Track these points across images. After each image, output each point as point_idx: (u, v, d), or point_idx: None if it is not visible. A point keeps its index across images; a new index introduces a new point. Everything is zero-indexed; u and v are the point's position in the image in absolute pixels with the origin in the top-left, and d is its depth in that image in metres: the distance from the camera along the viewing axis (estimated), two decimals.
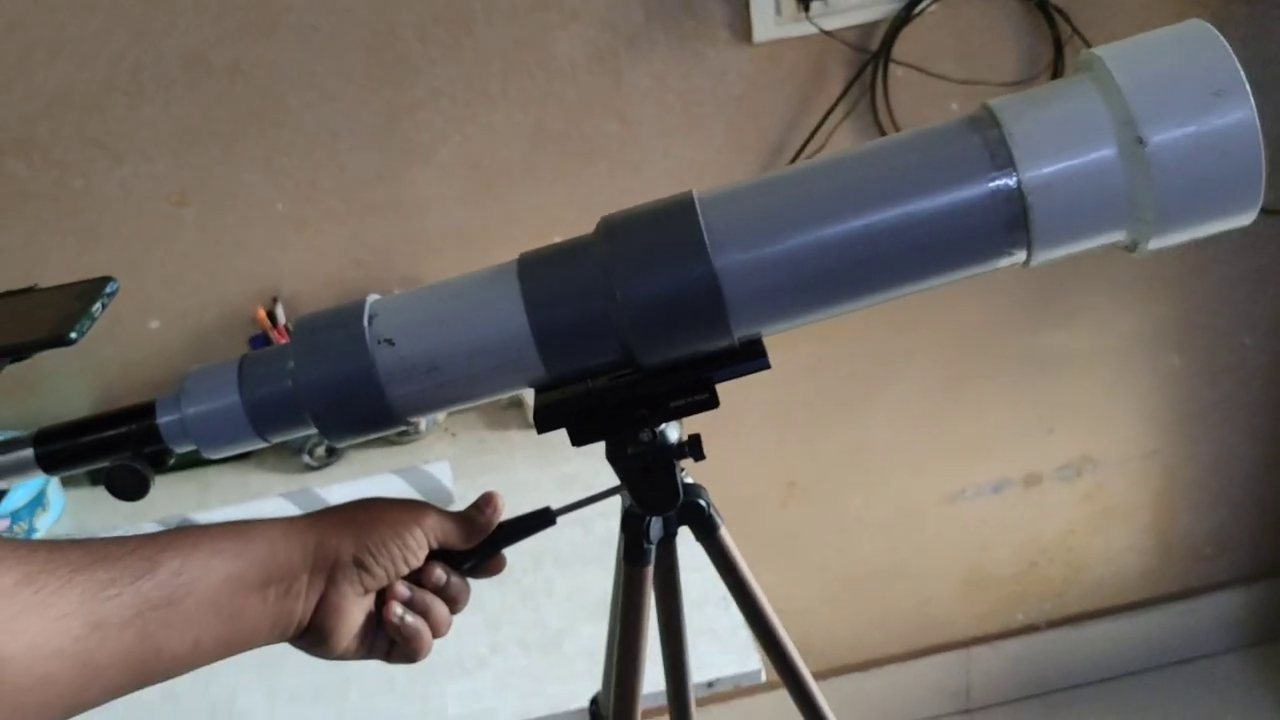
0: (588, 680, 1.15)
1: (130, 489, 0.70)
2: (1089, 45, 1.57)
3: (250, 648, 0.65)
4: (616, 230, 0.67)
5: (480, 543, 0.74)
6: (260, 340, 1.51)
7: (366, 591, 0.69)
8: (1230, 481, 2.04)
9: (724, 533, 0.83)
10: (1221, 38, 0.60)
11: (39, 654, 0.53)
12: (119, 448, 0.71)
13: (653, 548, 0.80)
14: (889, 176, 0.65)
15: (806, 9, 1.49)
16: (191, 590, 0.61)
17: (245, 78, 1.44)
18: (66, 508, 1.50)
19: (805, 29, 1.51)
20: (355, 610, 0.68)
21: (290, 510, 1.36)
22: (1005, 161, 0.62)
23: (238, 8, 1.41)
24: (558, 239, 0.62)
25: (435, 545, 0.72)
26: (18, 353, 0.70)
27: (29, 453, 0.71)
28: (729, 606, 1.12)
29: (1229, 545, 2.11)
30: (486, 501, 0.75)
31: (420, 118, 1.49)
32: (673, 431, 0.75)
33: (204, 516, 1.36)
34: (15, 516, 1.41)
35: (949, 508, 1.95)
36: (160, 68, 1.42)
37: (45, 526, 1.44)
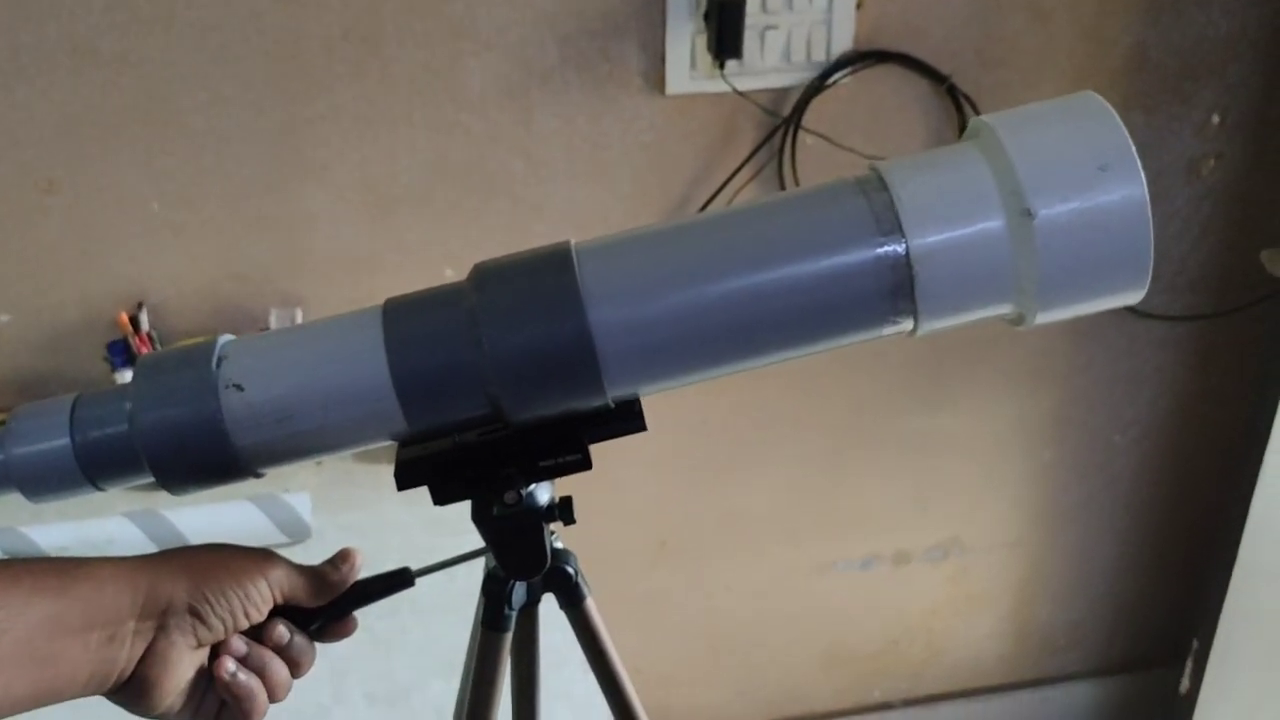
0: None
1: None
2: None
3: (64, 698, 0.59)
4: (489, 278, 0.64)
5: (331, 601, 0.69)
6: (119, 347, 1.43)
7: (200, 645, 0.63)
8: (1089, 576, 2.07)
9: (590, 604, 0.79)
10: (1112, 111, 0.59)
11: None
12: None
13: (514, 614, 0.76)
14: (773, 236, 0.62)
15: (721, 67, 1.48)
16: (7, 629, 0.56)
17: (134, 70, 1.37)
18: None
19: (719, 86, 1.50)
20: (184, 664, 0.62)
21: (131, 531, 1.28)
22: (892, 227, 0.60)
23: None
24: (449, 273, 0.61)
25: (280, 600, 0.66)
26: None
27: None
28: (588, 672, 1.07)
29: (1083, 638, 2.14)
30: (343, 558, 0.70)
31: (318, 132, 1.44)
32: (543, 493, 0.71)
33: (39, 531, 1.27)
34: None
35: (818, 579, 1.94)
36: (43, 50, 1.34)
37: None
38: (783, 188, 1.59)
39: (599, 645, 0.80)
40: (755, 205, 0.65)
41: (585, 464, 0.68)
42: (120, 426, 0.64)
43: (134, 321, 1.44)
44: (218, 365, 0.64)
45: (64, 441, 0.64)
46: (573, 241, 0.64)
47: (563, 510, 0.71)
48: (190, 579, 0.62)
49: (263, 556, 0.66)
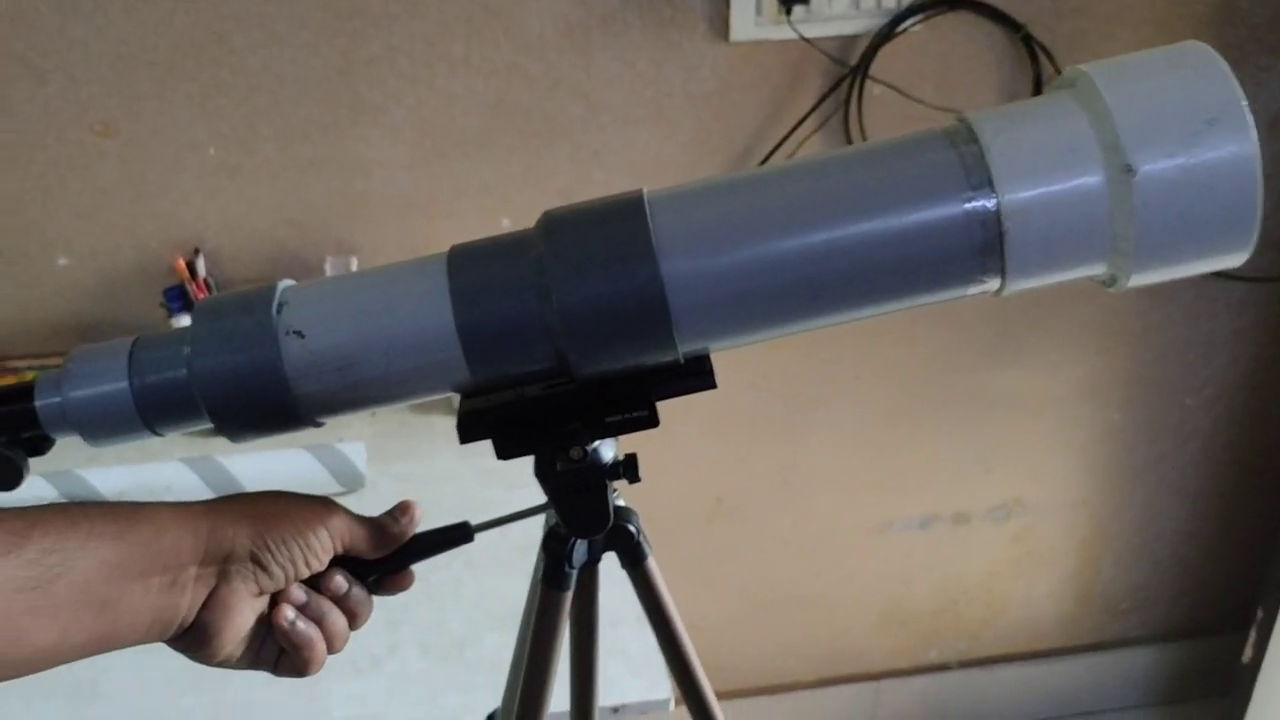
0: (487, 693, 1.08)
1: (1, 478, 0.63)
2: None
3: (124, 644, 0.58)
4: (557, 226, 0.61)
5: (390, 554, 0.67)
6: (176, 292, 1.41)
7: (261, 592, 0.62)
8: (1155, 539, 2.02)
9: (651, 562, 0.77)
10: (1221, 60, 0.56)
11: None
12: None
13: (574, 572, 0.74)
14: (855, 189, 0.59)
15: (788, 12, 1.43)
16: (64, 573, 0.54)
17: (189, 7, 1.34)
18: None
19: (785, 33, 1.45)
20: (246, 610, 0.61)
21: (188, 476, 1.27)
22: (983, 181, 0.56)
23: None
24: (505, 221, 0.58)
25: (340, 550, 0.65)
26: None
27: None
28: (644, 628, 1.05)
29: (1147, 602, 2.09)
30: (402, 510, 0.68)
31: (374, 74, 1.41)
32: (607, 450, 0.69)
33: (96, 474, 1.27)
34: None
35: (875, 538, 1.91)
36: None
37: None
38: (848, 140, 1.54)
39: (660, 604, 0.78)
40: (835, 155, 0.62)
41: (652, 420, 0.66)
42: (179, 371, 0.62)
43: (190, 267, 1.42)
44: (278, 311, 0.62)
45: (122, 385, 0.62)
46: (645, 190, 0.61)
47: (627, 468, 0.69)
48: (253, 526, 0.61)
49: (324, 506, 0.65)
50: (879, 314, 0.62)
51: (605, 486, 0.69)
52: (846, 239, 0.58)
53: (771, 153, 1.52)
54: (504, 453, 0.66)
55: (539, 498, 0.70)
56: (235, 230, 1.46)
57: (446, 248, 0.64)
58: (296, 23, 1.36)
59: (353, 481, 1.32)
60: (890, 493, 1.87)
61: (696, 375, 0.65)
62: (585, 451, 0.66)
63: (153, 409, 0.63)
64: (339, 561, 0.66)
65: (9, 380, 1.42)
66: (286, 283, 0.65)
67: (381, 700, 1.07)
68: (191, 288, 1.42)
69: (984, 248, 0.57)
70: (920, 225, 0.57)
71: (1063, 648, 2.11)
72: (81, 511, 0.57)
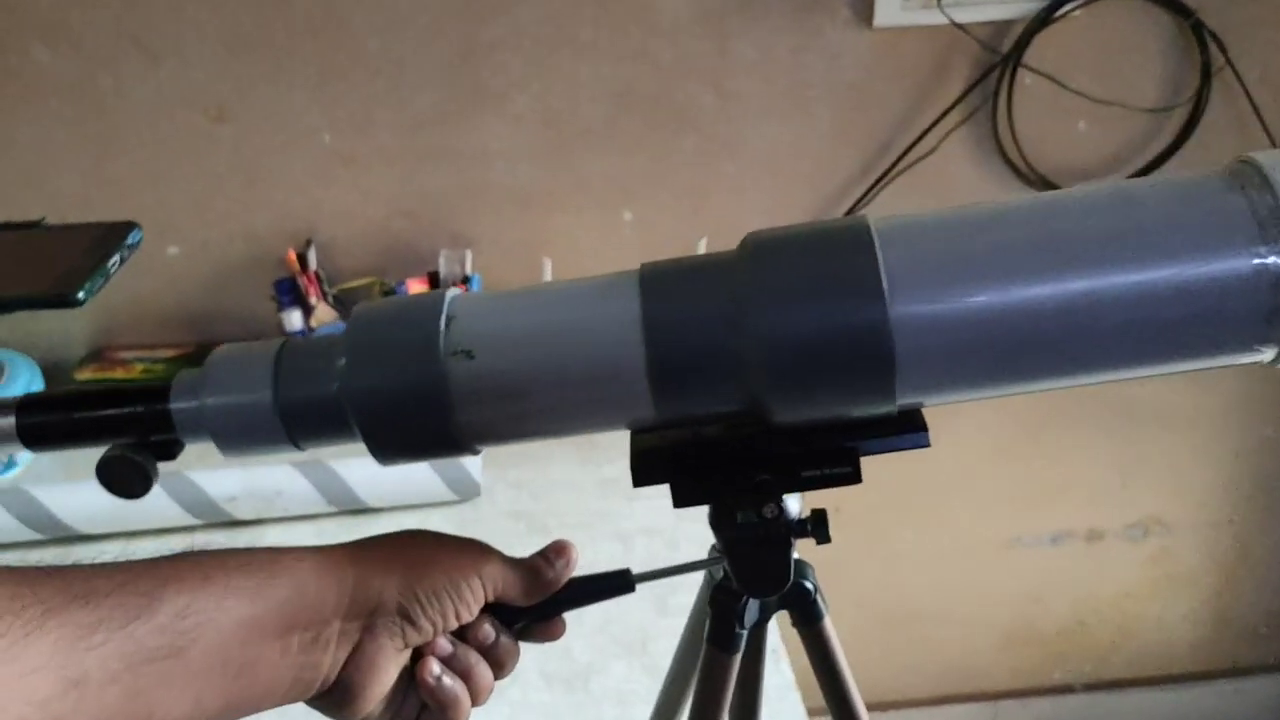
0: None
1: (128, 484, 0.56)
2: (1240, 77, 1.41)
3: (262, 708, 0.52)
4: (766, 253, 0.53)
5: (541, 601, 0.60)
6: (286, 285, 1.36)
7: (406, 646, 0.56)
8: None
9: (828, 623, 0.68)
10: None
11: None
12: (120, 431, 0.57)
13: (745, 634, 0.66)
14: (1122, 233, 0.50)
15: None
16: (199, 638, 0.48)
17: None
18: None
19: (934, 18, 1.35)
20: (390, 667, 0.55)
21: (299, 482, 1.22)
22: (1278, 235, 0.47)
23: None
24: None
25: (492, 599, 0.58)
26: (10, 308, 0.55)
27: (10, 421, 0.57)
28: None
29: None
30: (557, 552, 0.61)
31: (497, 59, 1.33)
32: (792, 504, 0.60)
33: (204, 476, 1.22)
34: None
35: (1003, 554, 1.80)
36: None
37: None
38: (995, 133, 1.43)
39: (834, 667, 0.70)
40: (1095, 192, 0.53)
41: (855, 477, 0.57)
42: (330, 386, 0.55)
43: (301, 259, 1.37)
44: (445, 326, 0.54)
45: (266, 395, 0.55)
46: (870, 218, 0.53)
47: (816, 526, 0.60)
48: (401, 576, 0.55)
49: (478, 551, 0.58)
50: (1128, 378, 0.53)
51: (790, 544, 0.61)
52: (1108, 290, 0.49)
53: (913, 144, 1.42)
54: (683, 499, 0.59)
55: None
56: (348, 221, 1.40)
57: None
58: (418, 4, 1.29)
59: (468, 490, 1.25)
60: (1022, 506, 1.76)
61: (909, 430, 0.57)
62: (781, 509, 0.58)
63: (297, 423, 0.56)
64: (487, 607, 0.59)
65: (117, 373, 1.38)
66: (454, 292, 0.58)
67: None
68: (302, 280, 1.36)
69: (1272, 313, 0.48)
70: (1198, 282, 0.48)
71: (1195, 673, 1.99)
72: (216, 563, 0.51)
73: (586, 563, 1.28)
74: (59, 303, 0.54)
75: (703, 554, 0.65)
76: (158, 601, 0.47)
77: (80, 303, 0.54)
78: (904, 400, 0.54)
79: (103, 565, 0.48)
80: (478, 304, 0.57)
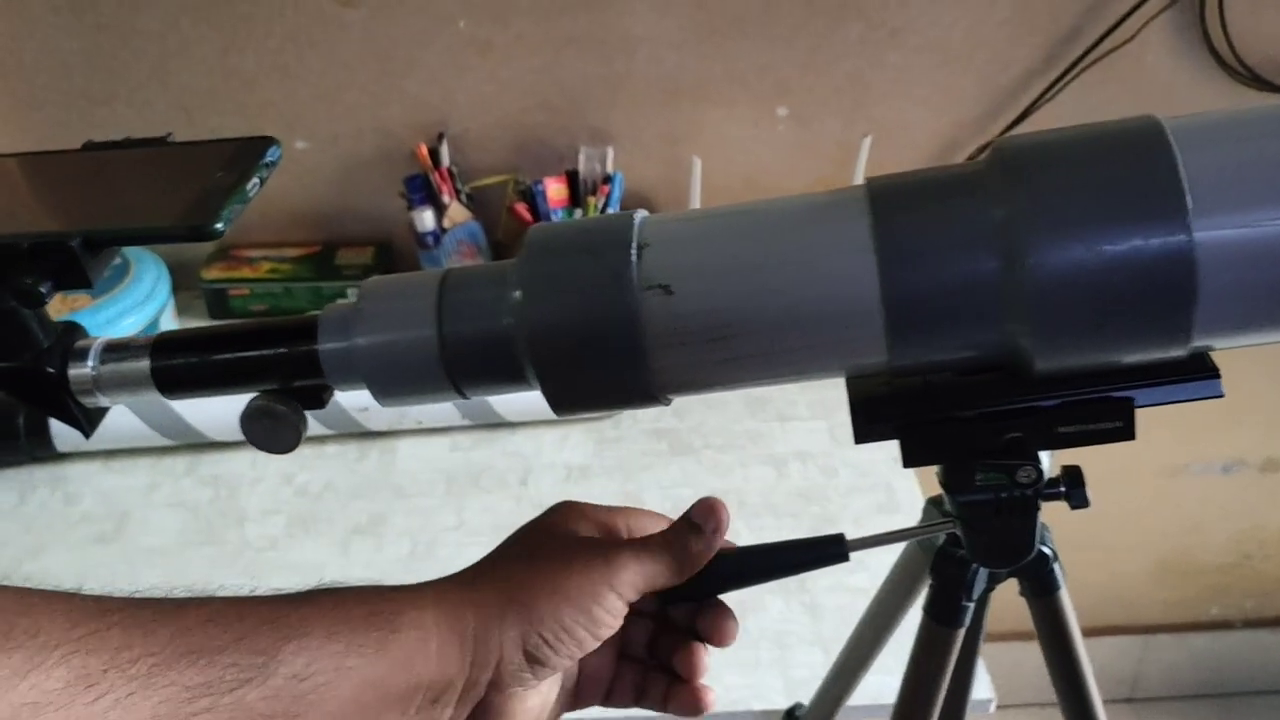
0: (772, 674, 0.93)
1: (273, 437, 0.49)
2: None
3: None
4: (1028, 162, 0.43)
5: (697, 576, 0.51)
6: (418, 182, 1.28)
7: (538, 681, 0.49)
8: None
9: (1064, 593, 0.59)
10: None
11: None
12: (262, 376, 0.50)
13: (970, 606, 0.57)
14: None
15: None
16: (317, 703, 0.43)
17: None
18: None
19: None
20: (526, 703, 0.50)
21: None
22: None
23: None
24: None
25: (634, 598, 0.50)
26: (140, 241, 0.48)
27: (144, 365, 0.50)
28: None
29: None
30: (704, 514, 0.51)
31: None
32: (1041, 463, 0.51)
33: None
34: None
35: (1168, 481, 1.68)
36: None
37: None
38: (1203, 20, 1.27)
39: (1068, 644, 0.61)
40: None
41: (1127, 432, 0.47)
42: (502, 321, 0.47)
43: (433, 154, 1.28)
44: (637, 255, 0.46)
45: (428, 333, 0.48)
46: (1163, 118, 0.42)
47: (1071, 487, 0.51)
48: (524, 619, 0.48)
49: (603, 562, 0.49)
50: None
51: (1038, 509, 0.52)
52: None
53: (1103, 35, 1.27)
54: (913, 458, 0.49)
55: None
56: (483, 114, 1.31)
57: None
58: None
59: None
60: (1192, 432, 1.63)
61: (1198, 375, 0.47)
62: (1039, 474, 0.48)
63: (464, 365, 0.48)
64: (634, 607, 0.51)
65: (244, 271, 1.33)
66: (642, 214, 0.49)
67: None
68: (434, 177, 1.28)
69: None
70: None
71: None
72: (340, 615, 0.44)
73: (734, 489, 1.19)
74: (193, 235, 0.46)
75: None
76: (275, 662, 0.42)
77: (219, 234, 0.46)
78: (1199, 339, 0.44)
79: (221, 605, 0.42)
80: (673, 228, 0.47)
